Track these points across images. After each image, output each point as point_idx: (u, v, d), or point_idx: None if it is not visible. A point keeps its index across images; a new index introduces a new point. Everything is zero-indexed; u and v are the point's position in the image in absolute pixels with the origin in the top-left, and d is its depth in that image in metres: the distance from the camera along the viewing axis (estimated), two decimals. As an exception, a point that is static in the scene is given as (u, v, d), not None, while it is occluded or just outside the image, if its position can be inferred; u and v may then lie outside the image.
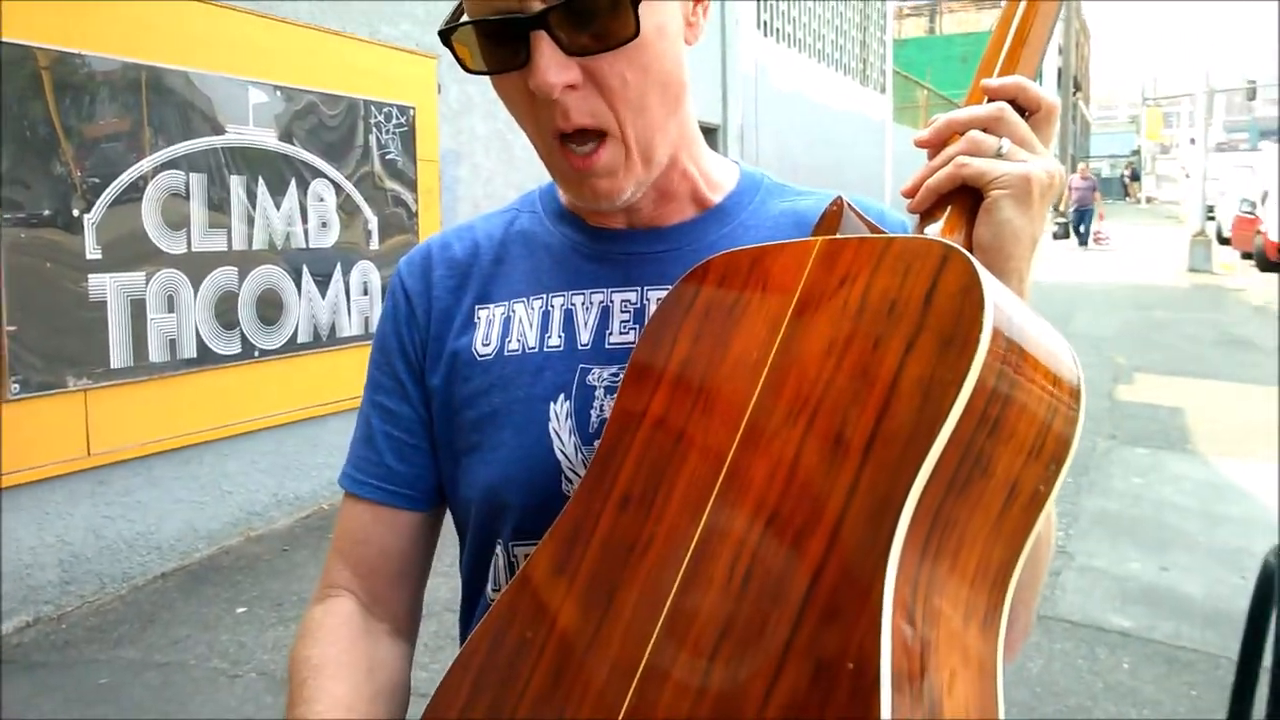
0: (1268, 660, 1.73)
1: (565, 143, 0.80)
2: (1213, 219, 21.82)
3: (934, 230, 0.74)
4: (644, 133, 0.80)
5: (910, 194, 0.77)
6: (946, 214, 0.74)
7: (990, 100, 0.76)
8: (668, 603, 0.65)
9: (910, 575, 0.56)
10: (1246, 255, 18.53)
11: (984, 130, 0.74)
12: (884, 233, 0.74)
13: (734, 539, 0.64)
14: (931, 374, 0.59)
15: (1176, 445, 6.40)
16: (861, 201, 0.95)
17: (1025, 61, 0.78)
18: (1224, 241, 21.18)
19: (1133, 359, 9.31)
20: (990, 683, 0.59)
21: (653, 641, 0.65)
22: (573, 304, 0.90)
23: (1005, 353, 0.59)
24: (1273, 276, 15.24)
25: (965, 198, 0.74)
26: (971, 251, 0.72)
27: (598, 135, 0.79)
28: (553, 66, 0.75)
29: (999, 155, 0.73)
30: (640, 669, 0.65)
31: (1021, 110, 0.75)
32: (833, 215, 0.78)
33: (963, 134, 0.75)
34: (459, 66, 0.81)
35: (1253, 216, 18.44)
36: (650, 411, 0.75)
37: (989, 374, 0.58)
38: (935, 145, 0.77)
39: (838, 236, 0.73)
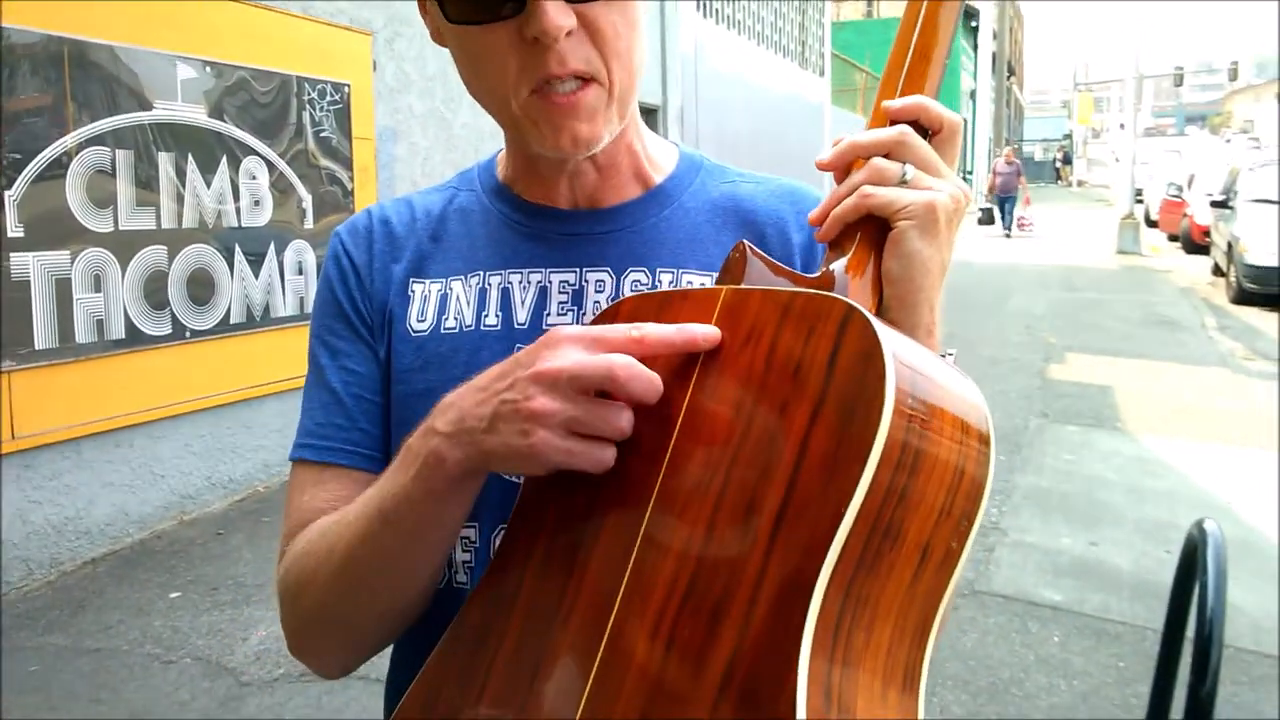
0: (1191, 631, 1.78)
1: (547, 87, 0.79)
2: (1141, 202, 22.35)
3: (840, 264, 0.72)
4: (625, 82, 0.81)
5: (818, 222, 0.76)
6: (855, 243, 0.73)
7: (892, 123, 0.74)
8: (590, 678, 0.63)
9: (824, 659, 0.55)
10: (1173, 238, 19.02)
11: (887, 156, 0.72)
12: (786, 276, 0.73)
13: (651, 613, 0.62)
14: (836, 448, 0.57)
15: (1106, 423, 6.56)
16: (799, 189, 0.96)
17: (928, 77, 0.77)
18: (1152, 224, 21.71)
19: (1064, 338, 9.51)
20: None
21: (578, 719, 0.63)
22: (510, 283, 0.89)
23: (910, 417, 0.58)
24: (1198, 258, 15.67)
25: (872, 226, 0.72)
26: (881, 281, 0.72)
27: (583, 78, 0.79)
28: (556, 12, 0.75)
29: (903, 182, 0.71)
30: None
31: (924, 130, 0.74)
32: (736, 262, 0.75)
33: (867, 159, 0.73)
34: (441, 15, 0.80)
35: (1179, 200, 18.92)
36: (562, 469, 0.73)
37: (893, 446, 0.56)
38: (838, 169, 0.76)
39: (742, 287, 0.71)
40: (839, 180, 0.76)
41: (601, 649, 0.64)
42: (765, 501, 0.59)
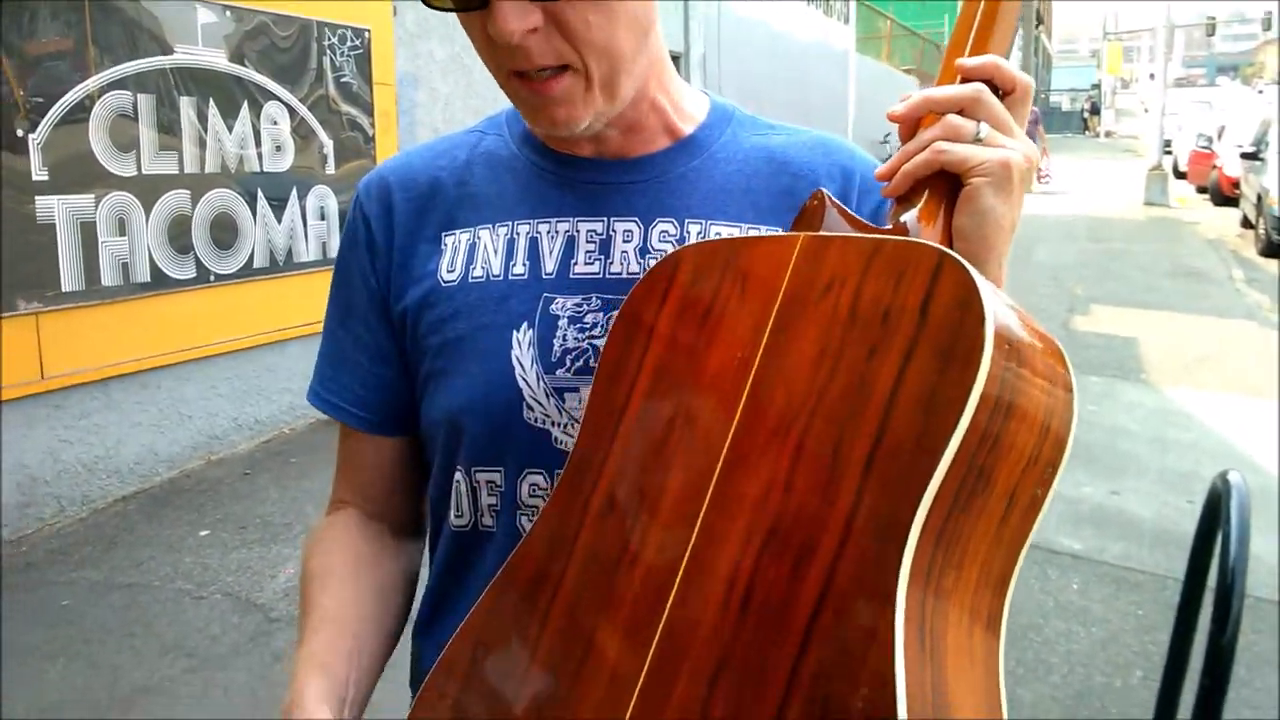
0: (1213, 580, 1.79)
1: (522, 72, 0.78)
2: (1170, 153, 22.00)
3: (911, 217, 0.72)
4: (609, 70, 0.79)
5: (886, 177, 0.75)
6: (924, 199, 0.72)
7: (965, 80, 0.73)
8: (660, 627, 0.63)
9: (918, 597, 0.55)
10: (1202, 190, 18.74)
11: (961, 113, 0.72)
12: (859, 227, 0.72)
13: (728, 558, 0.61)
14: (933, 391, 0.57)
15: (1130, 374, 6.52)
16: (832, 141, 0.94)
17: (997, 40, 0.75)
18: (1180, 176, 21.38)
19: (1089, 289, 9.44)
20: (995, 685, 0.59)
21: (645, 669, 0.63)
22: (538, 232, 0.89)
23: (1005, 365, 0.57)
24: (1227, 210, 15.45)
25: (942, 182, 0.72)
26: (951, 238, 0.71)
27: (556, 67, 0.77)
28: (512, 14, 0.73)
29: (977, 140, 0.71)
30: (633, 701, 0.62)
31: (995, 90, 0.73)
32: (813, 210, 0.74)
33: (940, 114, 0.72)
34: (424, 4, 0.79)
35: (1209, 151, 18.61)
36: (627, 415, 0.72)
37: (992, 388, 0.56)
38: (909, 122, 0.75)
39: (821, 234, 0.71)
40: (905, 135, 0.75)
41: (673, 594, 0.63)
42: (854, 445, 0.59)
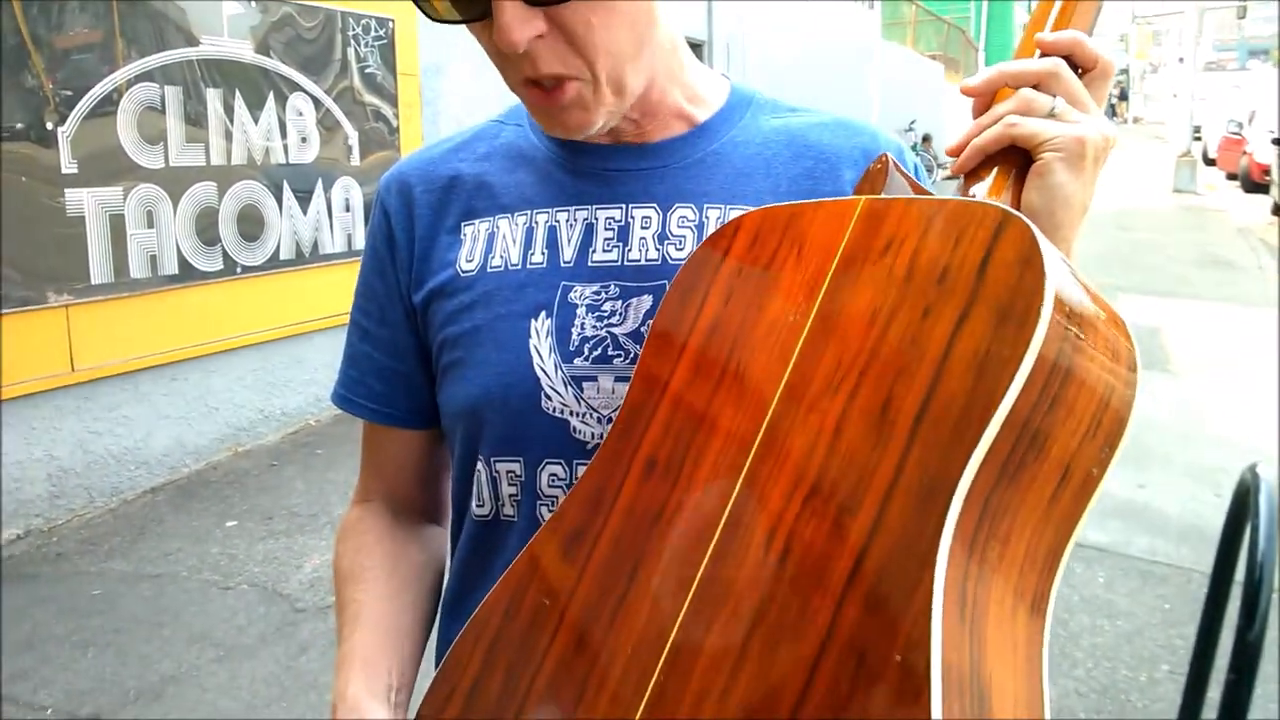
0: (1240, 574, 1.77)
1: (531, 81, 0.78)
2: (1199, 139, 21.75)
3: (980, 191, 0.70)
4: (614, 70, 0.79)
5: (956, 153, 0.74)
6: (993, 175, 0.71)
7: (1044, 55, 0.72)
8: (698, 576, 0.62)
9: (961, 564, 0.53)
10: (1231, 176, 18.52)
11: (1037, 87, 0.70)
12: (930, 194, 0.70)
13: (770, 511, 0.60)
14: (987, 349, 0.55)
15: (1156, 365, 6.47)
16: (855, 124, 0.93)
17: (1080, 17, 0.74)
18: (1209, 162, 21.14)
19: (1115, 279, 9.35)
20: (1036, 675, 0.57)
21: (681, 617, 0.62)
22: (556, 220, 0.89)
23: (1065, 327, 0.56)
24: (1257, 198, 15.27)
25: (1013, 158, 0.70)
26: None
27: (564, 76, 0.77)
28: (515, 23, 0.73)
29: (1051, 115, 0.69)
30: (668, 647, 0.62)
31: (1075, 68, 0.71)
32: (877, 173, 0.73)
33: (1015, 88, 0.71)
34: (424, 16, 0.79)
35: (1239, 137, 18.38)
36: (676, 375, 0.72)
37: (1050, 350, 0.55)
38: (983, 95, 0.74)
39: (883, 196, 0.69)
40: (979, 110, 0.74)
41: (713, 544, 0.63)
42: (904, 402, 0.57)
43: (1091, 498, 0.59)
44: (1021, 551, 0.57)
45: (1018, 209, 0.69)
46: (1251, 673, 1.68)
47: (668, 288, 0.79)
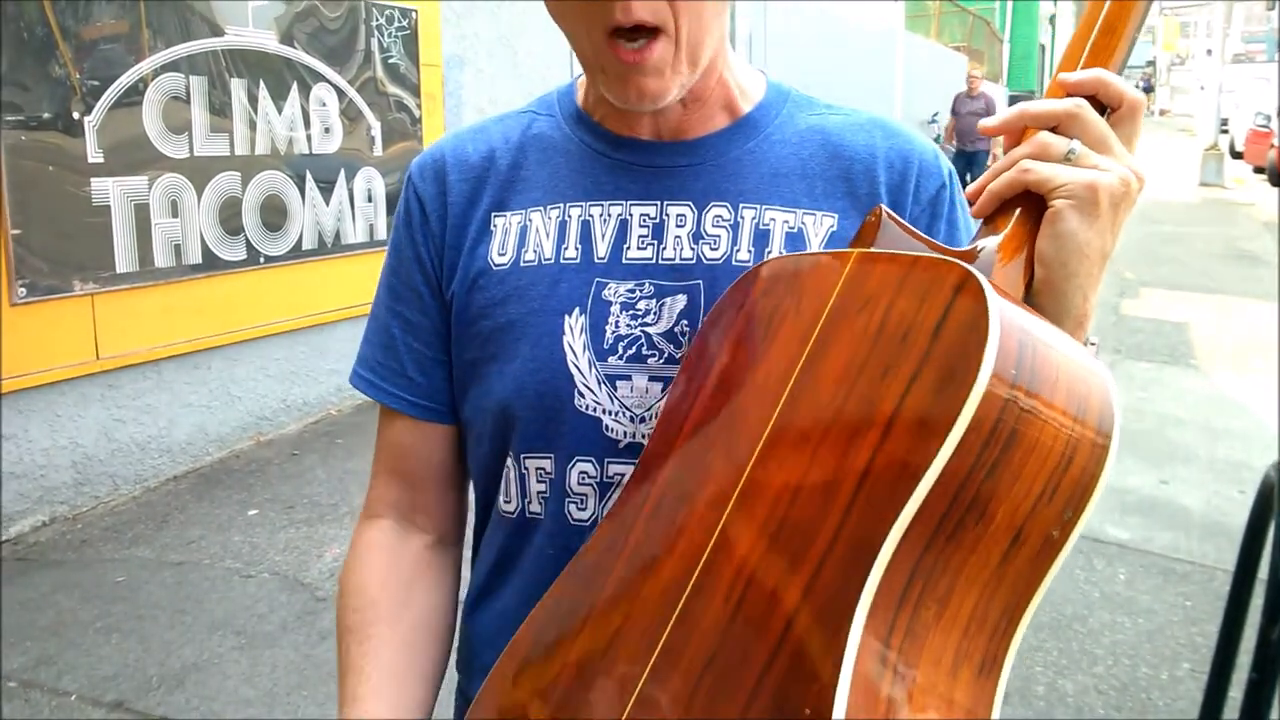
0: (1263, 572, 1.76)
1: (616, 38, 0.77)
2: (1226, 132, 21.51)
3: (993, 241, 0.69)
4: (695, 33, 0.78)
5: (974, 197, 0.73)
6: (1011, 221, 0.69)
7: (1068, 95, 0.70)
8: (671, 621, 0.65)
9: (885, 622, 0.55)
10: (1259, 170, 18.34)
11: (1056, 129, 0.69)
12: (923, 243, 0.71)
13: (737, 561, 0.63)
14: (927, 411, 0.56)
15: (1180, 360, 6.42)
16: (889, 123, 0.92)
17: (1114, 52, 0.72)
18: (1237, 155, 20.91)
19: (1140, 273, 9.28)
20: None
21: (651, 661, 0.64)
22: (590, 215, 0.88)
23: (1012, 388, 0.56)
24: (1284, 192, 15.10)
25: (1032, 204, 0.69)
26: (1033, 264, 0.69)
27: (650, 31, 0.77)
28: None
29: (1068, 159, 0.67)
30: (636, 691, 0.65)
31: (1101, 108, 0.70)
32: (870, 226, 0.74)
33: (1037, 129, 0.70)
34: None
35: (1267, 130, 18.19)
36: (691, 415, 0.75)
37: (987, 413, 0.55)
38: (1004, 135, 0.73)
39: (873, 250, 0.70)
40: (1008, 146, 0.72)
41: (692, 582, 0.65)
42: (854, 461, 0.59)
43: (1056, 559, 0.59)
44: (966, 611, 0.58)
45: (1033, 258, 0.69)
46: (1274, 672, 1.67)
47: (701, 324, 0.81)
